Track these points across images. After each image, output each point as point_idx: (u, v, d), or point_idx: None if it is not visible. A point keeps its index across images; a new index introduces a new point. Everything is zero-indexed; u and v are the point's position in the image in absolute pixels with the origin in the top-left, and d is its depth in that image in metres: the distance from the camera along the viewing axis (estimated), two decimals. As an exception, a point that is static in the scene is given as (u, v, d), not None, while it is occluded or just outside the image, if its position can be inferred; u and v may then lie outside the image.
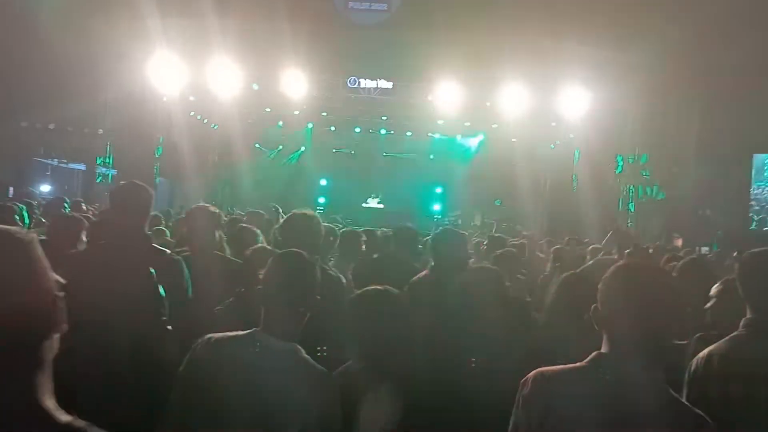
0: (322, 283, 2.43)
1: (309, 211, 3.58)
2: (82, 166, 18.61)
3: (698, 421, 1.78)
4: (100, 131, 16.71)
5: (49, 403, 1.16)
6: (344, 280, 4.13)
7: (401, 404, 2.37)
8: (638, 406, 1.74)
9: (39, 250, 1.20)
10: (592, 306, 1.88)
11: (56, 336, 1.20)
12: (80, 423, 1.16)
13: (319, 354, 2.71)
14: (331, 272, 3.63)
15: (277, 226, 5.44)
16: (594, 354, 1.85)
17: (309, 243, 3.38)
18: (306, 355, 2.23)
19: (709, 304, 2.97)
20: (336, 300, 3.76)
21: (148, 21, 13.54)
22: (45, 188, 17.01)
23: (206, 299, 3.35)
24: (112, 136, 16.38)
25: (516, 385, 1.94)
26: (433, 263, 3.95)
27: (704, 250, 11.31)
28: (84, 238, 3.88)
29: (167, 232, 6.40)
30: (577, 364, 1.87)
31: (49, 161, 18.43)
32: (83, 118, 16.28)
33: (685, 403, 1.87)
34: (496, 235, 6.38)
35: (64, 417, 1.16)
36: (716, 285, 3.00)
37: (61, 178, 18.85)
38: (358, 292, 2.82)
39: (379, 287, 2.71)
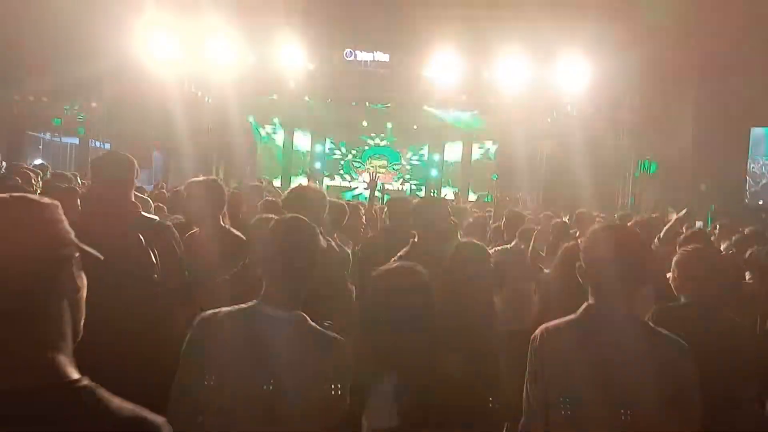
0: (328, 258, 2.38)
1: (314, 185, 3.57)
2: (75, 140, 18.44)
3: (677, 346, 2.10)
4: (94, 104, 16.53)
5: (61, 359, 1.15)
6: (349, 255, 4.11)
7: (407, 398, 2.23)
8: (625, 339, 2.07)
9: (53, 213, 1.20)
10: (577, 264, 2.22)
11: (74, 295, 1.20)
12: (86, 382, 1.15)
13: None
14: (335, 247, 3.60)
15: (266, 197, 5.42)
16: (584, 305, 2.18)
17: (312, 217, 3.35)
18: (313, 323, 2.12)
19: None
20: (340, 276, 3.75)
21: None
22: (37, 162, 16.86)
23: (214, 274, 3.34)
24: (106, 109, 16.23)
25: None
26: (416, 239, 3.74)
27: (698, 224, 11.32)
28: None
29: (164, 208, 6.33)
30: (572, 315, 2.20)
31: (42, 135, 18.25)
32: (76, 92, 16.10)
33: (665, 333, 2.16)
34: (516, 210, 6.32)
35: (73, 374, 1.15)
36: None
37: (54, 152, 18.69)
38: (381, 269, 2.47)
39: (405, 264, 2.44)
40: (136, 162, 3.27)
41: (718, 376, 2.40)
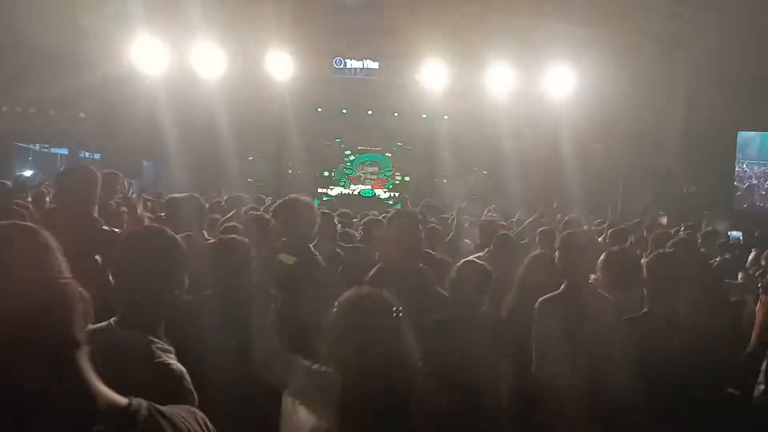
0: (309, 273, 2.34)
1: (304, 198, 3.53)
2: (64, 151, 18.37)
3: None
4: (82, 115, 16.47)
5: (101, 386, 1.11)
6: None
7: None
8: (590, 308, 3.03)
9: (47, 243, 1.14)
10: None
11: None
12: (141, 402, 1.14)
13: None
14: (318, 260, 3.56)
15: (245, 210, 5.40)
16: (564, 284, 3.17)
17: (301, 230, 3.35)
18: (156, 349, 1.84)
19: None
20: (321, 291, 3.71)
21: (131, 2, 13.32)
22: (27, 174, 16.80)
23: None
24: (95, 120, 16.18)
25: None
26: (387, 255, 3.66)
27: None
28: None
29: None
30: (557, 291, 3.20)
31: (31, 146, 18.18)
32: (65, 102, 16.04)
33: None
34: (535, 215, 6.44)
35: (122, 399, 1.13)
36: None
37: (43, 163, 18.61)
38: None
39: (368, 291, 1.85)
40: (99, 175, 3.23)
41: (690, 381, 2.44)
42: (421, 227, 3.97)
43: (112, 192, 3.27)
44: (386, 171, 22.17)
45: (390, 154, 21.24)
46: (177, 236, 2.03)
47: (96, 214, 3.21)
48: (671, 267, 2.84)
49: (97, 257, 2.91)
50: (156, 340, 1.88)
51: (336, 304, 1.84)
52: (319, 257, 3.56)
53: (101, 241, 3.06)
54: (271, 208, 3.97)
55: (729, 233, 7.58)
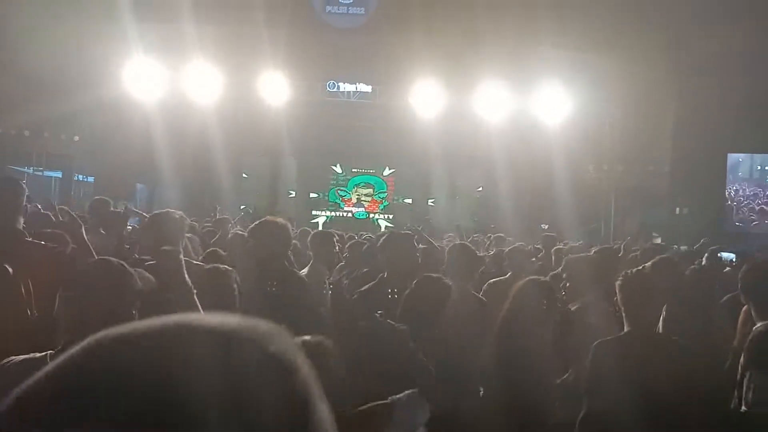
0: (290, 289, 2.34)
1: (280, 219, 3.58)
2: (58, 174, 18.37)
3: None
4: (76, 138, 16.51)
5: None
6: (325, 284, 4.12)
7: None
8: None
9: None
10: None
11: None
12: None
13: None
14: (297, 274, 3.62)
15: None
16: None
17: (278, 251, 3.40)
18: None
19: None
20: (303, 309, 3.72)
21: (125, 26, 13.46)
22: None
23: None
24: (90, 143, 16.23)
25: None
26: (385, 274, 3.77)
27: (683, 248, 11.42)
28: None
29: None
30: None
31: (25, 169, 18.17)
32: (59, 125, 16.09)
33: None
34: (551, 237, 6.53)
35: None
36: None
37: (36, 187, 18.58)
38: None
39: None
40: (25, 188, 3.24)
41: (672, 402, 2.46)
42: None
43: (12, 208, 3.20)
44: (380, 193, 22.22)
45: (386, 174, 21.32)
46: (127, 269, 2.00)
47: (21, 226, 3.20)
48: (644, 286, 2.84)
49: (7, 268, 2.87)
50: None
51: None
52: (298, 272, 3.59)
53: (24, 254, 3.02)
54: (248, 229, 4.02)
55: (719, 254, 7.58)
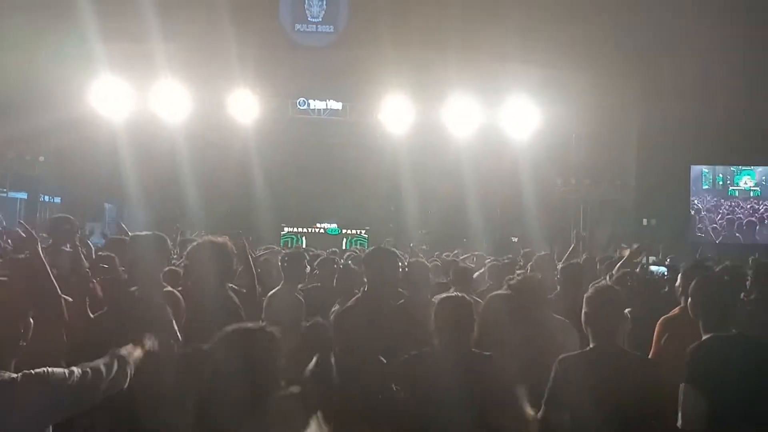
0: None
1: (219, 239, 3.53)
2: (23, 195, 17.99)
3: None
4: (42, 158, 16.21)
5: None
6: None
7: None
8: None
9: None
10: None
11: None
12: None
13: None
14: (233, 297, 3.53)
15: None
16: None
17: (216, 270, 3.38)
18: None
19: None
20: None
21: (91, 45, 13.31)
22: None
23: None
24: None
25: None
26: (366, 288, 3.74)
27: (651, 259, 11.59)
28: None
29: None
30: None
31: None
32: (23, 145, 15.79)
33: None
34: (542, 253, 6.42)
35: None
36: None
37: (2, 208, 18.16)
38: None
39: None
40: None
41: (633, 417, 2.49)
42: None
43: None
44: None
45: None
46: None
47: None
48: (609, 300, 2.83)
49: None
50: None
51: None
52: (235, 298, 3.52)
53: None
54: (185, 252, 3.99)
55: (652, 269, 7.63)
